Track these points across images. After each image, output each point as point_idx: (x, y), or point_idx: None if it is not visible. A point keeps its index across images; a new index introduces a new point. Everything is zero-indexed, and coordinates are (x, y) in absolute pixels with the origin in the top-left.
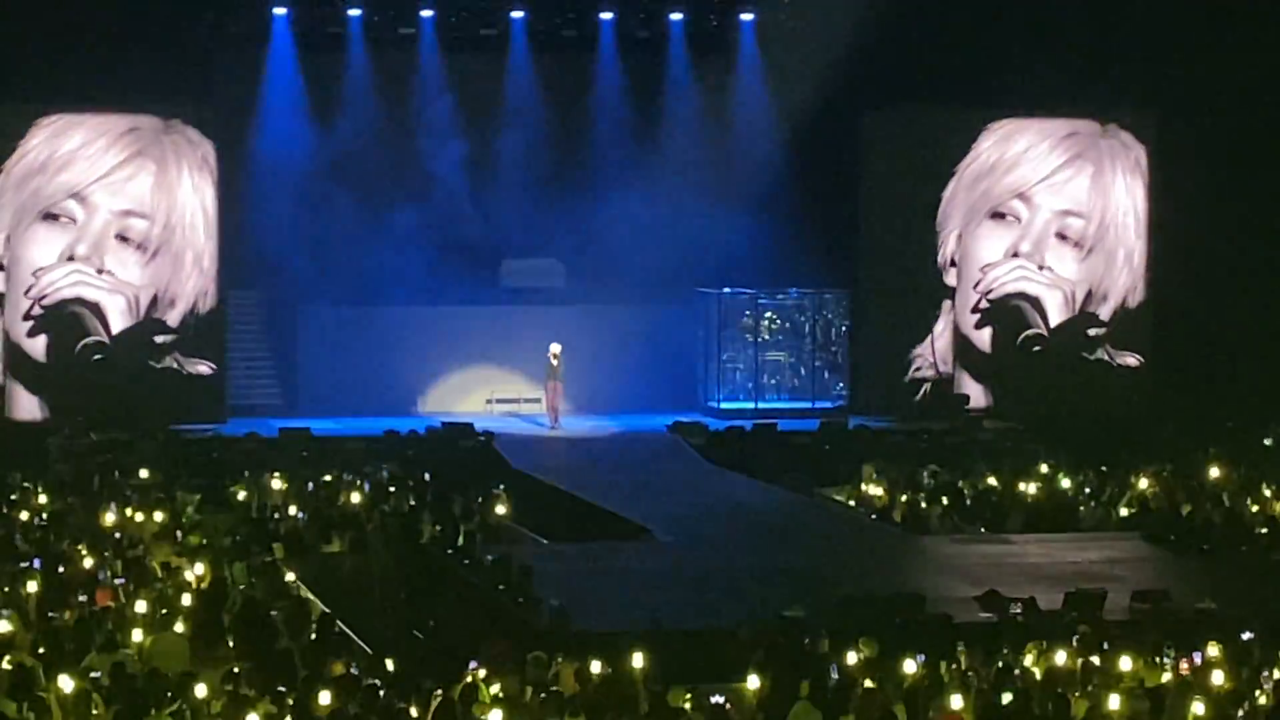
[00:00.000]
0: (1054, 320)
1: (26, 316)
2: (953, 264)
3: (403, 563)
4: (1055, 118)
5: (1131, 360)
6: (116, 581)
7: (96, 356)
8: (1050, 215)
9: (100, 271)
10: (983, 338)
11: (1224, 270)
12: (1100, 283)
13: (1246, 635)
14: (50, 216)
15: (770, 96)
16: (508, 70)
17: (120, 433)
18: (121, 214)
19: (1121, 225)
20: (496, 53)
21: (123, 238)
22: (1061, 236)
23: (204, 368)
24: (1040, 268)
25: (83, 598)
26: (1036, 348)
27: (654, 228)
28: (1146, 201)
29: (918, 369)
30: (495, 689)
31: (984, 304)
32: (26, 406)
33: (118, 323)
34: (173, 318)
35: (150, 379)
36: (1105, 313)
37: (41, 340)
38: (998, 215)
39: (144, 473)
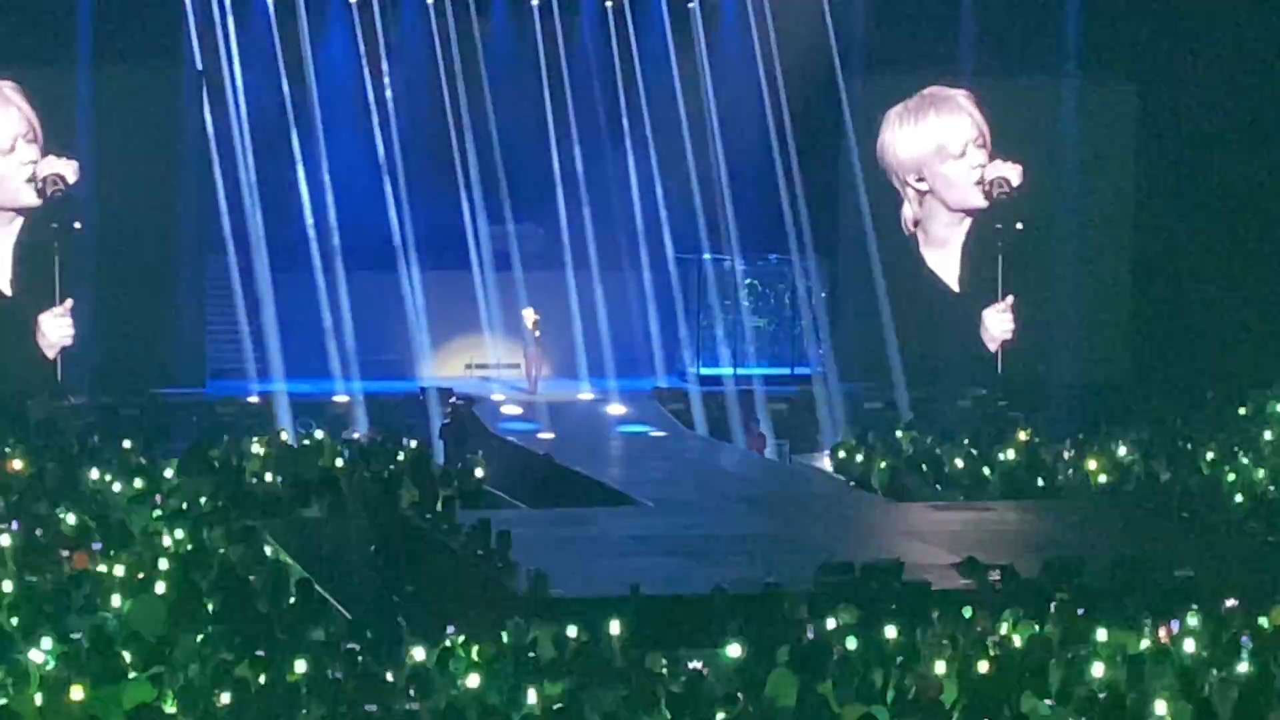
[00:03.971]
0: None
1: None
2: None
3: (381, 527)
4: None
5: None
6: (95, 545)
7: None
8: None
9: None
10: None
11: (1205, 239)
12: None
13: (1230, 603)
14: None
15: (751, 62)
16: (490, 32)
17: (100, 396)
18: None
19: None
20: (479, 15)
21: None
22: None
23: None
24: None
25: (61, 560)
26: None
27: (634, 193)
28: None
29: None
30: (474, 653)
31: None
32: None
33: None
34: None
35: (130, 343)
36: None
37: None
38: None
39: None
